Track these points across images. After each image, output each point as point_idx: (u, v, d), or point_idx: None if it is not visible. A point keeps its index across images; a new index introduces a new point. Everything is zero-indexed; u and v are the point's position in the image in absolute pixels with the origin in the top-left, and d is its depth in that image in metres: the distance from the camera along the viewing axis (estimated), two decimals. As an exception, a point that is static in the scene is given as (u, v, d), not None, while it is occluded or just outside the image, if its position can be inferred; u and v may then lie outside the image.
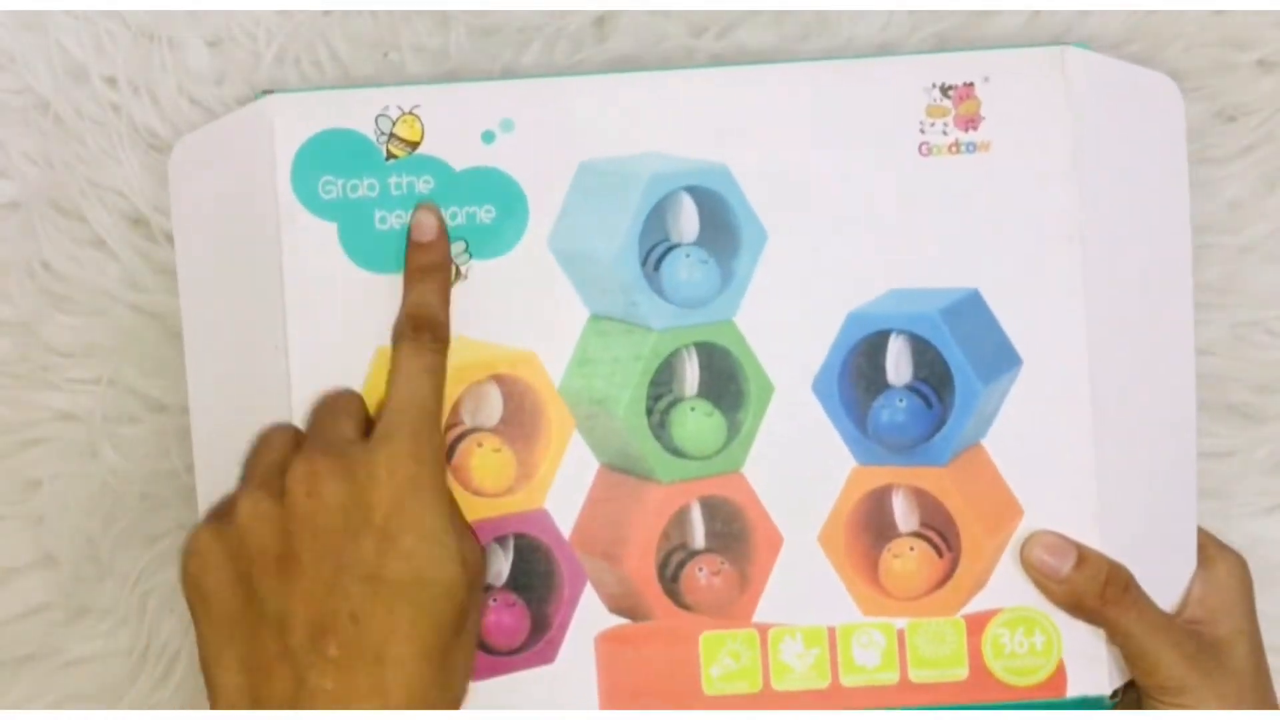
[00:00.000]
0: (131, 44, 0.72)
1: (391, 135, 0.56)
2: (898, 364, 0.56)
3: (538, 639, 0.56)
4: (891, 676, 0.56)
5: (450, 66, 0.66)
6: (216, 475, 0.57)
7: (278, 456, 0.50)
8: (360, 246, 0.56)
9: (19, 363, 0.70)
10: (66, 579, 0.65)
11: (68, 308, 0.71)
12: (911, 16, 0.67)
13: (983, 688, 0.56)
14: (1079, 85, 0.57)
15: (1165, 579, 0.57)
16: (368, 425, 0.53)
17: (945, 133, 0.56)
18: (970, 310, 0.56)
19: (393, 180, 0.56)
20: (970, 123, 0.57)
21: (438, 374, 0.52)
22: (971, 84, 0.57)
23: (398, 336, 0.53)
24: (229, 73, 0.75)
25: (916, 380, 0.57)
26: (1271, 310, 0.69)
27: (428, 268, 0.53)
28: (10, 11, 0.72)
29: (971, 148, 0.56)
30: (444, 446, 0.52)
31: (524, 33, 0.67)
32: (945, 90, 0.57)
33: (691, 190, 0.55)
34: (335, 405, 0.52)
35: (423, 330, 0.52)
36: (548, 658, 0.56)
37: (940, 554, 0.57)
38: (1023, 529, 0.57)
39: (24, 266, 0.72)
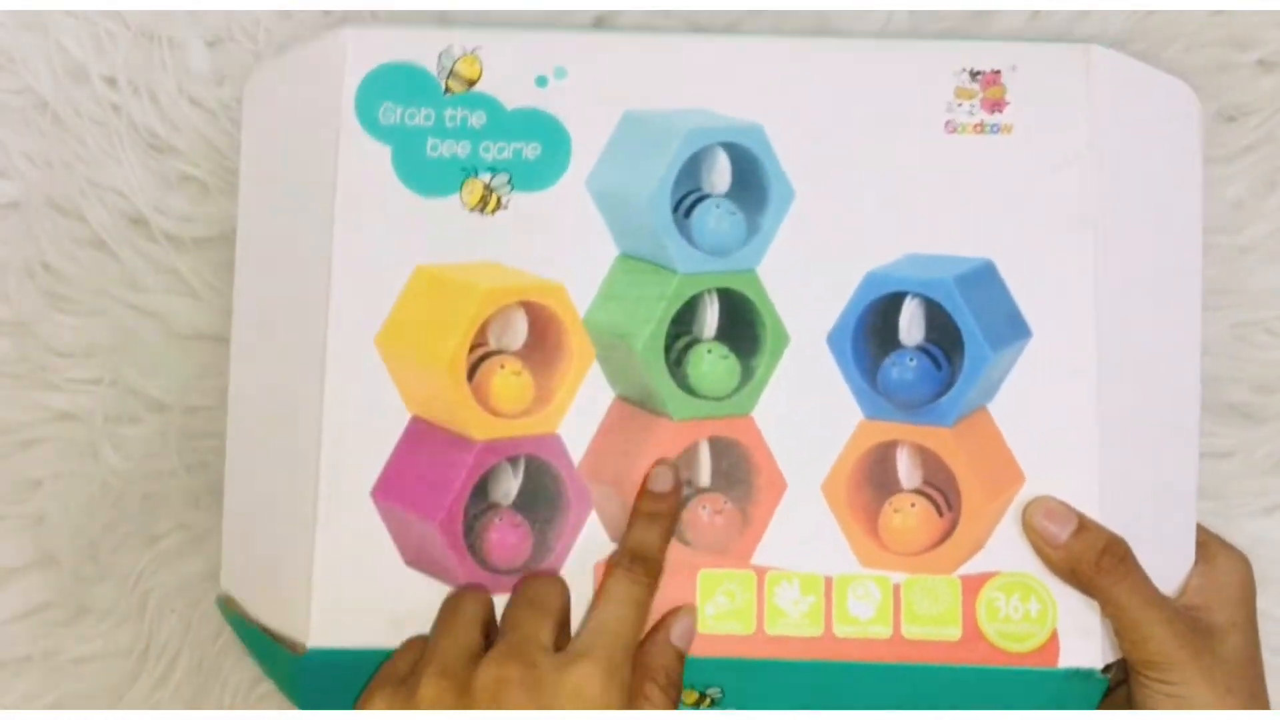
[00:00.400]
0: (131, 44, 0.72)
1: (452, 72, 0.59)
2: (910, 325, 0.58)
3: (539, 560, 0.57)
4: (884, 630, 0.57)
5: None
6: (248, 399, 0.60)
7: (468, 641, 0.51)
8: (411, 170, 0.59)
9: (19, 363, 0.70)
10: (66, 579, 0.64)
11: (68, 308, 0.71)
12: (912, 16, 0.67)
13: (975, 650, 0.56)
14: (1100, 81, 0.59)
15: (1165, 557, 0.57)
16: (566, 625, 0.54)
17: (971, 113, 0.59)
18: (984, 279, 0.58)
19: (448, 113, 0.59)
20: (995, 106, 0.59)
21: (643, 608, 0.53)
22: (999, 71, 0.59)
23: (614, 563, 0.55)
24: (229, 73, 0.76)
25: (928, 342, 0.58)
26: (1271, 310, 0.69)
27: (656, 514, 0.55)
28: (10, 11, 0.72)
29: (995, 129, 0.59)
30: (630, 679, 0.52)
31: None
32: (974, 75, 0.59)
33: (727, 146, 0.58)
34: (537, 599, 0.53)
35: (638, 565, 0.54)
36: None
37: (940, 513, 0.58)
38: (1024, 495, 0.57)
39: (24, 267, 0.72)
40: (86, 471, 0.67)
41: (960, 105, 0.59)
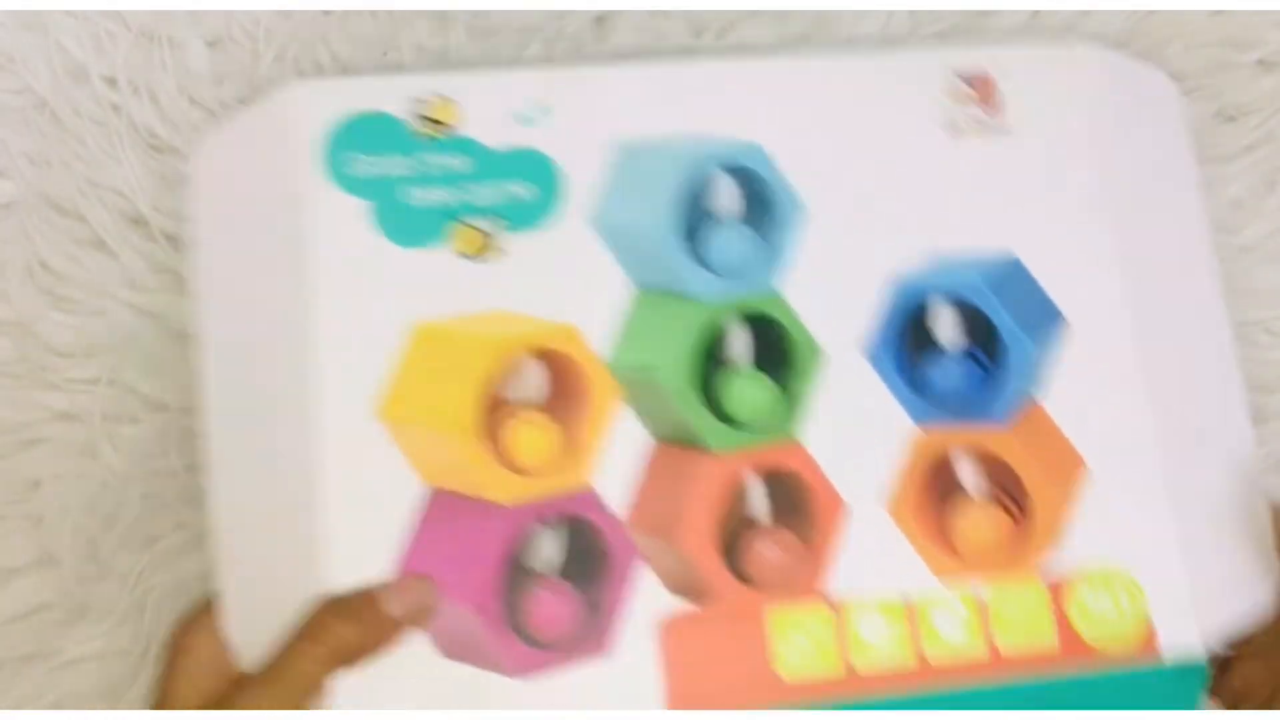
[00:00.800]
0: (132, 44, 0.72)
1: (425, 117, 0.57)
2: (946, 327, 0.58)
3: (590, 627, 0.53)
4: (981, 651, 0.55)
5: (450, 67, 0.66)
6: (231, 473, 0.57)
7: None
8: (394, 222, 0.56)
9: (18, 363, 0.70)
10: (67, 579, 0.64)
11: (67, 308, 0.71)
12: (912, 16, 0.67)
13: (1075, 656, 0.55)
14: (1090, 76, 0.61)
15: (1235, 528, 0.58)
16: None
17: (970, 115, 0.60)
18: (1011, 273, 0.58)
19: (427, 159, 0.57)
20: (993, 108, 0.60)
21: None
22: (991, 77, 0.60)
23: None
24: (229, 73, 0.75)
25: (966, 343, 0.58)
26: (1272, 310, 0.69)
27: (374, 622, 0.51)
28: (10, 11, 0.72)
29: (995, 129, 0.60)
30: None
31: (524, 33, 0.68)
32: (969, 80, 0.60)
33: (730, 169, 0.56)
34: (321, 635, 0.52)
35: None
36: (602, 647, 0.53)
37: (1011, 515, 0.57)
38: (1087, 482, 0.57)
39: (23, 266, 0.72)
40: (86, 471, 0.67)
41: (959, 108, 0.59)
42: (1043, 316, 0.57)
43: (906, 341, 0.58)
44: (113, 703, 0.62)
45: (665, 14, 0.66)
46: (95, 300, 0.71)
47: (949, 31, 0.67)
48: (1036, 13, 0.67)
